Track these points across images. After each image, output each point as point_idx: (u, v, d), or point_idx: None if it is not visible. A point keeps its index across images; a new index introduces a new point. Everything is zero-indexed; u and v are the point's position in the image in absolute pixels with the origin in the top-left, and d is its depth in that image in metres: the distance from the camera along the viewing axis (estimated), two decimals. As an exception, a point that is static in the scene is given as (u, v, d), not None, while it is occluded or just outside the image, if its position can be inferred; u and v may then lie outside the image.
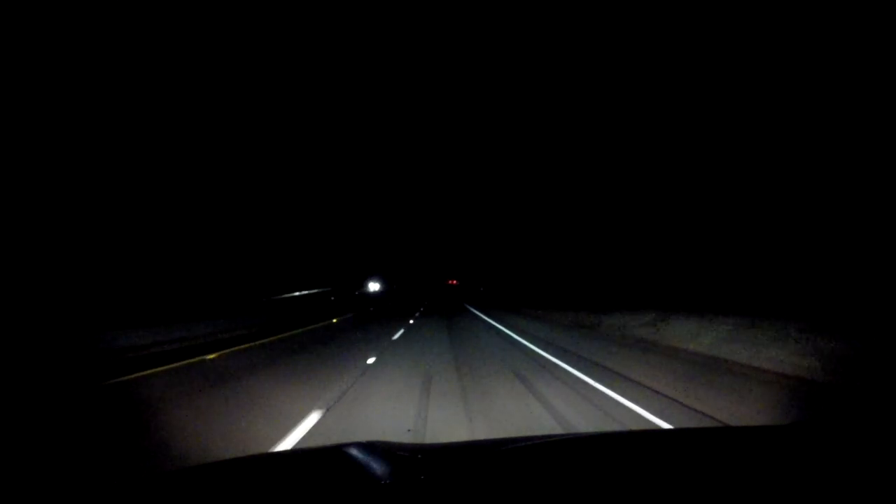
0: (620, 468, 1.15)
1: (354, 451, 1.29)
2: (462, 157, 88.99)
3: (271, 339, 11.62)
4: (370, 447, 1.37)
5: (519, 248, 47.49)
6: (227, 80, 34.96)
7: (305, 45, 54.85)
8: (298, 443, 3.45)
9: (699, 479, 1.01)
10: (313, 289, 39.11)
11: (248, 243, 33.80)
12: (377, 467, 1.19)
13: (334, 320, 18.84)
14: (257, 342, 10.83)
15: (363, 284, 50.51)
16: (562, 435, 2.16)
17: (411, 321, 17.28)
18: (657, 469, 1.14)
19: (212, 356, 8.49)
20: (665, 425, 3.75)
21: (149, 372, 6.80)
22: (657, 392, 4.86)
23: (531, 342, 9.87)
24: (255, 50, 45.05)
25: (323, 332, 13.29)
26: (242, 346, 9.99)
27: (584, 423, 3.87)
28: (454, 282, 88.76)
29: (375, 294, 50.03)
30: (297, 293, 35.53)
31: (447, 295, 66.86)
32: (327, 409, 4.38)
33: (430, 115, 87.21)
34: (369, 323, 17.39)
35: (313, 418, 4.07)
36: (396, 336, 11.56)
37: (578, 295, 23.70)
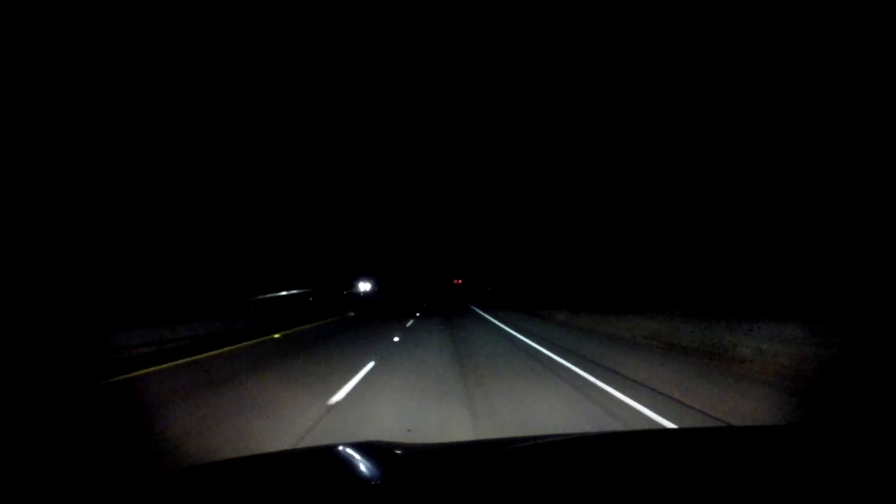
0: (622, 468, 1.13)
1: (354, 451, 1.29)
2: (465, 149, 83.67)
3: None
4: (370, 447, 1.37)
5: (529, 243, 42.64)
6: (207, 76, 31.50)
7: (293, 34, 49.93)
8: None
9: (701, 479, 0.99)
10: (297, 289, 33.66)
11: (223, 238, 29.01)
12: (377, 467, 1.18)
13: (276, 335, 12.81)
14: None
15: (352, 284, 44.87)
16: (564, 435, 1.70)
17: (395, 339, 11.33)
18: (659, 469, 1.11)
19: None
20: None
21: None
22: None
23: (637, 399, 4.02)
24: (242, 42, 41.34)
25: (230, 363, 7.46)
26: None
27: None
28: (459, 281, 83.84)
29: (366, 295, 44.31)
30: (279, 294, 29.96)
31: (450, 295, 60.87)
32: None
33: (430, 103, 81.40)
34: (332, 339, 11.55)
35: None
36: (358, 378, 5.75)
37: (617, 295, 18.05)
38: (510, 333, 11.97)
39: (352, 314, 23.28)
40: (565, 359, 7.38)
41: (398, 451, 1.32)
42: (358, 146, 76.81)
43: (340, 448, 1.29)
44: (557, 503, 0.88)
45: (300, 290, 33.25)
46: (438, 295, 61.29)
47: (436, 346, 9.77)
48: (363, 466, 1.19)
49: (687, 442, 1.42)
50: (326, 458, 1.30)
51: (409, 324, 16.18)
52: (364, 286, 45.77)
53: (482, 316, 19.75)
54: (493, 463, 1.18)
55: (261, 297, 26.98)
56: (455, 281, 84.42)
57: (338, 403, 4.68)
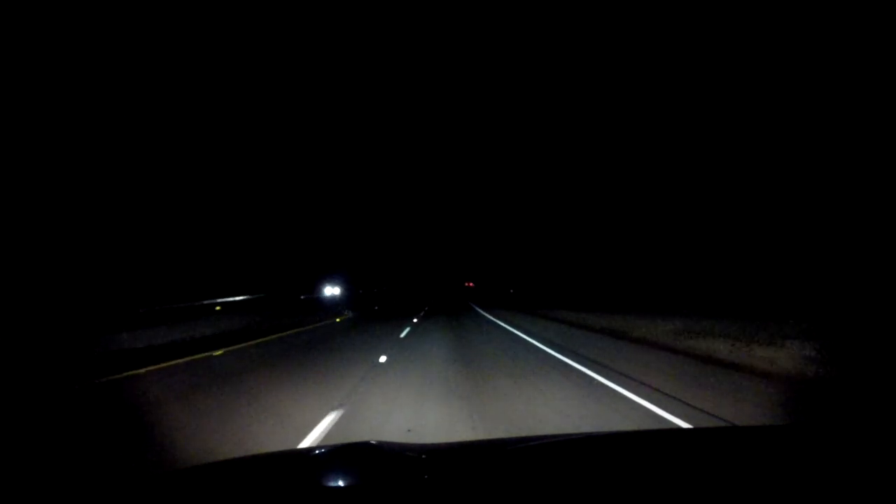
0: (627, 467, 1.10)
1: (356, 452, 1.26)
2: (478, 148, 77.32)
3: None
4: (372, 447, 1.33)
5: (555, 240, 36.23)
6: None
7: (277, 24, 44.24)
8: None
9: (708, 479, 0.95)
10: (240, 294, 24.27)
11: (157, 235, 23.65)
12: (379, 467, 1.14)
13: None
14: None
15: (315, 289, 35.01)
16: (568, 435, 1.88)
17: None
18: (664, 468, 1.07)
19: None
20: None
21: None
22: None
23: None
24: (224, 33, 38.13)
25: None
26: None
27: None
28: (470, 284, 76.37)
29: (332, 301, 34.49)
30: (176, 305, 20.18)
31: (459, 300, 47.43)
32: None
33: (434, 97, 73.69)
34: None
35: None
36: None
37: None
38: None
39: (276, 337, 13.29)
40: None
41: (400, 452, 1.29)
42: (356, 145, 71.45)
43: (342, 448, 1.30)
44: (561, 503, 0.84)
45: (230, 298, 23.25)
46: (442, 300, 48.47)
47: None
48: (366, 466, 1.15)
49: (692, 442, 1.38)
50: (327, 459, 1.28)
51: (340, 397, 6.40)
52: (330, 291, 35.70)
53: (527, 341, 10.02)
54: (499, 463, 1.15)
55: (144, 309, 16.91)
56: (466, 284, 78.50)
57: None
